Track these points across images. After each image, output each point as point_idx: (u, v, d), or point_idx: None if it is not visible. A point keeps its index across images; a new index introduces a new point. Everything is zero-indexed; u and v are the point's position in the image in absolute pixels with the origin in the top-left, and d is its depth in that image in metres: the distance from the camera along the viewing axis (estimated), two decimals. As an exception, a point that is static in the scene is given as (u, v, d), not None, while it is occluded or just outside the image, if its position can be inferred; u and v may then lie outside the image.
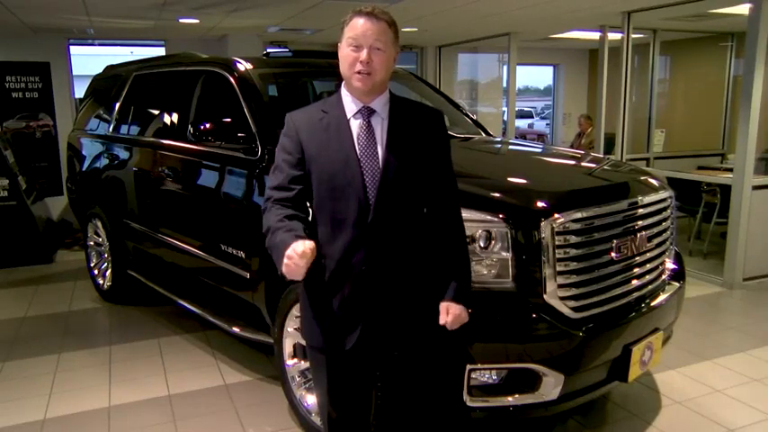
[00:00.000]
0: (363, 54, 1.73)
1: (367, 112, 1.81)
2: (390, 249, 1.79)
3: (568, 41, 9.34)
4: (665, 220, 2.82)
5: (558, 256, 2.34)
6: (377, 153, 1.78)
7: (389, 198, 1.77)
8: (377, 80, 1.77)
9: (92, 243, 4.97)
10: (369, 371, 1.93)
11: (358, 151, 1.78)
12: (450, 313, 1.84)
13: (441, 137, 1.91)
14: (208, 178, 3.43)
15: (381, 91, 1.83)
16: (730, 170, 5.42)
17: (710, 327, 4.20)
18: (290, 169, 1.83)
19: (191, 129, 3.53)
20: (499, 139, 4.07)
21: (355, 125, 1.81)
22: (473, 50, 9.84)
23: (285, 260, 1.61)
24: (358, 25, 1.75)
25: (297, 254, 1.58)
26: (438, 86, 7.40)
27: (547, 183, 2.71)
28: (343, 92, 1.85)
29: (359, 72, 1.74)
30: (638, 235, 2.62)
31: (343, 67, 1.79)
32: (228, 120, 3.14)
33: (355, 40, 1.75)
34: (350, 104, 1.83)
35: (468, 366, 2.29)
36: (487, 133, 3.97)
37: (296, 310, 2.67)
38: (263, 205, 1.87)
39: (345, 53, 1.77)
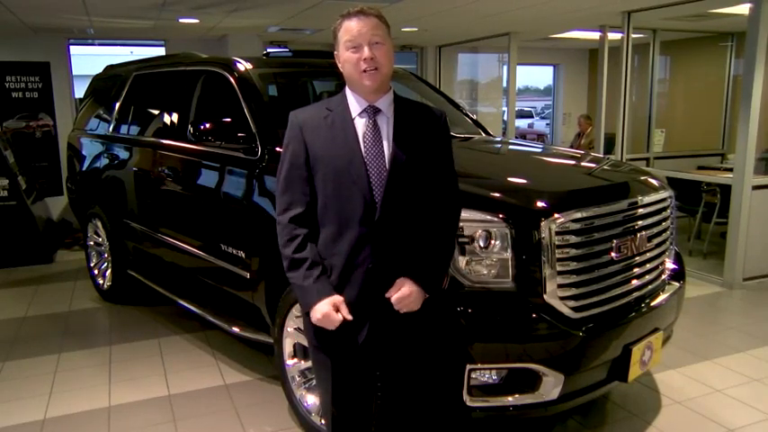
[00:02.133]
0: (366, 51, 1.75)
1: (372, 111, 1.82)
2: (396, 247, 1.80)
3: (568, 41, 9.34)
4: (665, 220, 2.82)
5: (558, 255, 2.34)
6: (383, 152, 1.79)
7: (396, 196, 1.78)
8: (384, 73, 1.79)
9: (92, 243, 4.97)
10: (372, 370, 1.93)
11: (363, 150, 1.78)
12: (399, 289, 1.78)
13: (444, 138, 1.92)
14: (208, 178, 3.43)
15: (386, 90, 1.85)
16: (730, 170, 5.42)
17: (710, 327, 4.20)
18: (296, 171, 1.84)
19: (191, 129, 3.52)
20: (499, 139, 4.07)
21: (360, 124, 1.82)
22: (473, 50, 9.84)
23: (315, 318, 1.79)
24: (352, 26, 1.77)
25: (333, 324, 1.77)
26: (438, 86, 7.40)
27: (547, 183, 2.71)
28: (348, 92, 1.86)
29: (365, 70, 1.75)
30: (638, 235, 2.61)
31: (349, 71, 1.80)
32: (228, 120, 3.14)
33: (353, 42, 1.76)
34: (354, 104, 1.84)
35: (468, 366, 2.29)
36: (487, 133, 3.97)
37: (296, 310, 2.68)
38: (276, 216, 1.88)
39: (347, 56, 1.78)
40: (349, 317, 1.77)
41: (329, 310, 1.76)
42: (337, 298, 1.79)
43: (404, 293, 1.79)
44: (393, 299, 1.79)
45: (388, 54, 1.80)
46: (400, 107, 1.86)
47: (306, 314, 1.89)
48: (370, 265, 1.78)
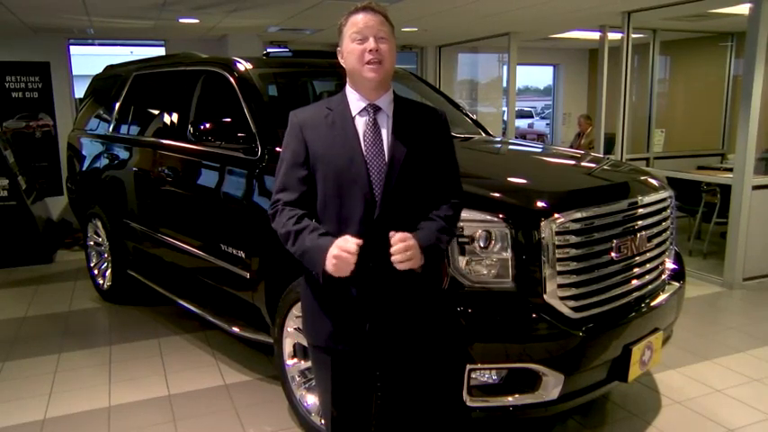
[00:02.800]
0: (371, 42, 1.76)
1: (373, 110, 1.83)
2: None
3: (568, 41, 9.34)
4: (664, 220, 2.82)
5: (558, 256, 2.34)
6: (383, 150, 1.79)
7: (395, 194, 1.78)
8: (387, 68, 1.79)
9: (92, 243, 4.97)
10: (371, 370, 1.93)
11: (363, 148, 1.79)
12: (398, 236, 1.69)
13: (444, 136, 1.92)
14: (208, 178, 3.43)
15: (387, 88, 1.85)
16: (730, 170, 5.42)
17: (710, 327, 4.21)
18: (295, 170, 1.84)
19: (191, 129, 3.52)
20: (499, 139, 4.07)
21: (361, 122, 1.82)
22: (473, 50, 9.84)
23: (333, 260, 1.68)
24: (359, 20, 1.78)
25: (350, 252, 1.66)
26: (438, 86, 7.40)
27: (547, 183, 2.71)
28: (348, 90, 1.86)
29: (370, 62, 1.76)
30: (638, 235, 2.62)
31: (352, 62, 1.80)
32: (228, 120, 3.14)
33: (359, 34, 1.77)
34: (355, 102, 1.84)
35: (468, 366, 2.29)
36: (487, 133, 3.97)
37: (296, 310, 2.68)
38: (269, 209, 1.88)
39: (352, 48, 1.79)
40: (360, 241, 1.68)
41: (342, 242, 1.68)
42: (346, 236, 1.70)
43: (400, 237, 1.69)
44: (393, 239, 1.69)
45: (392, 51, 1.81)
46: (400, 106, 1.87)
47: (306, 311, 1.90)
48: (370, 264, 1.78)
